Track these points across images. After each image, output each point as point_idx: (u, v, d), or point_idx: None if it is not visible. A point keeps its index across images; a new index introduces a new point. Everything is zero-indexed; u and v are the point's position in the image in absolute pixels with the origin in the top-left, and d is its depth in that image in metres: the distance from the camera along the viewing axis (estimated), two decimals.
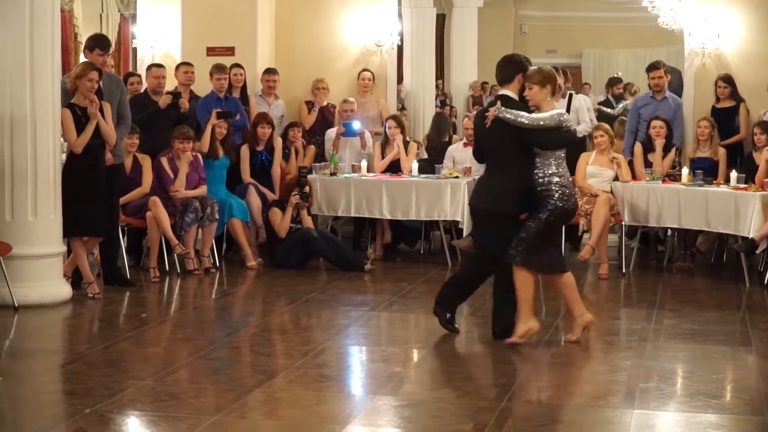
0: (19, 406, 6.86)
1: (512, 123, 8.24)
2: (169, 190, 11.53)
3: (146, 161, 11.56)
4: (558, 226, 8.76)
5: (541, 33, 26.67)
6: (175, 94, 12.26)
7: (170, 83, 12.92)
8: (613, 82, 20.53)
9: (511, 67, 8.54)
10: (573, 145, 9.38)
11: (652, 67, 13.12)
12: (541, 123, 8.25)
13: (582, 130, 13.06)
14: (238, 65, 13.27)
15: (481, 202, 8.55)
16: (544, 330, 8.81)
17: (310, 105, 13.90)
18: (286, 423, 6.46)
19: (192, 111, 12.46)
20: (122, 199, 11.10)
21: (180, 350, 8.34)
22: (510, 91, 8.49)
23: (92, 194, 9.99)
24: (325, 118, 13.85)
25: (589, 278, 11.52)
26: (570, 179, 8.59)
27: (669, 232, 12.59)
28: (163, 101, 12.12)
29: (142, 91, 12.81)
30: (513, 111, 8.29)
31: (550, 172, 8.31)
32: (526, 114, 8.30)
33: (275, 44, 14.41)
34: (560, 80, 13.05)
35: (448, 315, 8.74)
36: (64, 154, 10.13)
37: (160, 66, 12.83)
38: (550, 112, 8.31)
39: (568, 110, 13.04)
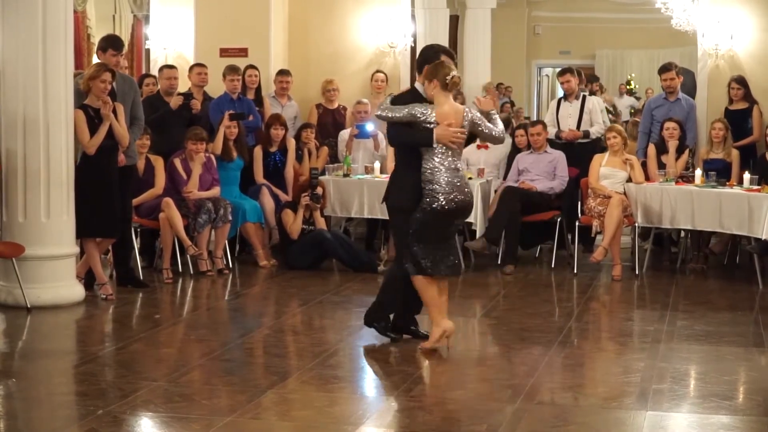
0: (33, 406, 6.88)
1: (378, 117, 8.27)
2: (182, 191, 11.55)
3: (159, 162, 11.57)
4: (447, 220, 8.11)
5: (554, 34, 26.68)
6: (187, 95, 12.28)
7: (184, 84, 12.94)
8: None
9: (420, 60, 8.39)
10: (423, 146, 8.04)
11: (664, 68, 13.08)
12: (389, 116, 8.12)
13: (595, 131, 13.04)
14: (252, 66, 13.29)
15: (401, 200, 8.13)
16: (557, 331, 8.82)
17: (320, 109, 13.90)
18: (299, 424, 6.46)
19: (205, 112, 12.47)
20: (135, 201, 11.11)
21: (193, 351, 8.35)
22: (419, 84, 8.36)
23: (105, 195, 9.99)
24: (337, 120, 13.86)
25: (602, 280, 11.50)
26: (459, 171, 8.11)
27: (682, 234, 12.57)
28: (175, 102, 12.13)
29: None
30: (385, 105, 8.24)
31: (431, 165, 7.99)
32: (387, 106, 8.21)
33: (288, 45, 14.42)
34: (574, 81, 13.13)
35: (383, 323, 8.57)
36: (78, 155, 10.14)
37: (172, 67, 12.86)
38: (412, 105, 8.09)
39: (580, 112, 13.04)
